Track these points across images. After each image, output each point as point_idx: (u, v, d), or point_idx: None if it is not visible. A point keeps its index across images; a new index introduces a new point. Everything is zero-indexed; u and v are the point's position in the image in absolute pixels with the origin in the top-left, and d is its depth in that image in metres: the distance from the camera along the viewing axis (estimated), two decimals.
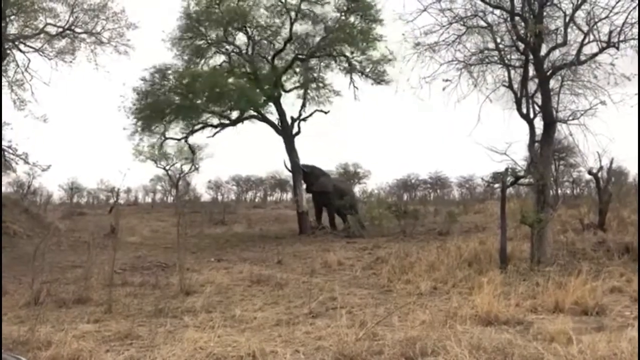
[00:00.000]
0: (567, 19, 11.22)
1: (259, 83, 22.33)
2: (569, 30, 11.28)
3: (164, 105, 21.94)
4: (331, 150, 76.57)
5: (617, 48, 10.79)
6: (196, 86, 20.92)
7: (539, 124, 11.76)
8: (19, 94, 19.25)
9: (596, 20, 10.96)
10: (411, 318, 6.57)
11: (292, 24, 22.79)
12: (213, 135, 24.02)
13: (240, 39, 23.45)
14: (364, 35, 22.27)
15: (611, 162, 16.23)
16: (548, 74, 11.59)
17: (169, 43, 22.69)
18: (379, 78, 23.20)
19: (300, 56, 23.58)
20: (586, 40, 11.13)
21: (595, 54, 11.13)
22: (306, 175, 23.12)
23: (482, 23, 11.89)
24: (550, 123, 11.57)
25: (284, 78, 23.75)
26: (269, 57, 23.62)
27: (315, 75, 24.46)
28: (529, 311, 6.99)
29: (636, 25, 10.56)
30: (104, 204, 52.02)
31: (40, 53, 19.16)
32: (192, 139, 25.47)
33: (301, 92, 24.41)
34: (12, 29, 18.59)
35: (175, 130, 23.88)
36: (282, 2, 22.49)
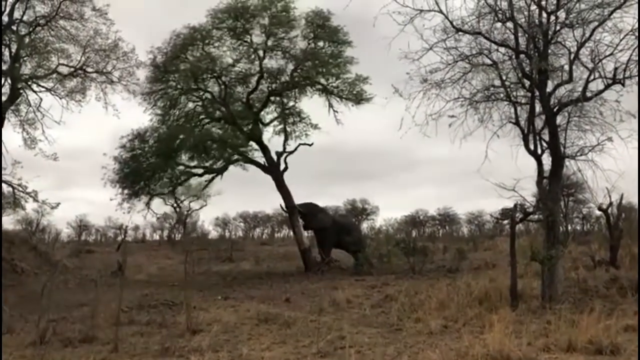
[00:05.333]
0: (572, 56, 11.30)
1: (237, 125, 22.48)
2: (574, 67, 11.37)
3: (146, 169, 22.12)
4: (339, 186, 76.75)
5: (623, 84, 10.84)
6: (177, 146, 21.23)
7: (547, 160, 11.75)
8: (30, 133, 19.50)
9: (601, 57, 11.05)
10: (421, 358, 6.46)
11: (261, 62, 22.76)
12: (203, 189, 24.21)
13: (212, 85, 23.28)
14: (334, 59, 22.34)
15: (621, 198, 16.18)
16: (555, 110, 11.63)
17: (139, 98, 21.94)
18: (358, 98, 22.94)
19: (274, 91, 23.34)
20: (592, 77, 11.18)
21: (601, 91, 11.17)
22: (303, 215, 22.82)
23: (488, 61, 12.00)
24: (558, 159, 11.56)
25: (261, 113, 23.67)
26: (244, 98, 23.55)
27: (291, 109, 24.18)
28: (542, 350, 6.86)
29: None
30: (112, 242, 52.12)
31: (52, 92, 19.48)
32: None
33: (281, 126, 24.18)
34: (25, 70, 18.98)
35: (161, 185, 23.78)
36: (247, 43, 22.52)
